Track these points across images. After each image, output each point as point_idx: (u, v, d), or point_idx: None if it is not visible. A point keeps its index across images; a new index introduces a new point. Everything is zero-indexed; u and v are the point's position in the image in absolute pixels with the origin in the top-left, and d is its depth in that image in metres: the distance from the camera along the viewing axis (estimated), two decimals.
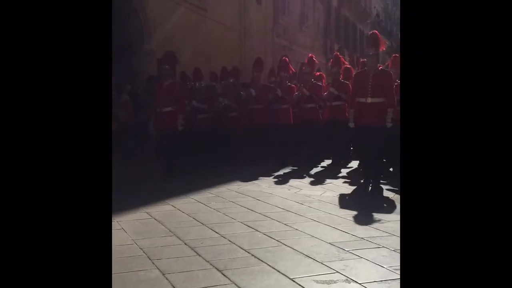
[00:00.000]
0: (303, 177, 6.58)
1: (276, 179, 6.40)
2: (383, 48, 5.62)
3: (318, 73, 8.84)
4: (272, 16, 14.91)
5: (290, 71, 8.35)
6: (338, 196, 5.12)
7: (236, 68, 8.77)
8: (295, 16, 16.75)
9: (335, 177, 6.67)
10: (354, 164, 7.74)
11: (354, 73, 6.48)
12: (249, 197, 5.01)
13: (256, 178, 6.38)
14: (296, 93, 7.85)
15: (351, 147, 8.31)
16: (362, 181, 5.72)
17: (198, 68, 8.74)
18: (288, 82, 8.11)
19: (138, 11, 8.91)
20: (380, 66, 5.59)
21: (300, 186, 5.86)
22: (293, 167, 7.60)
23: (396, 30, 33.97)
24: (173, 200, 4.80)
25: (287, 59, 8.45)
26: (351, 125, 5.59)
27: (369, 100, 5.35)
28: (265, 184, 5.99)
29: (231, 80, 8.44)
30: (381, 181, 5.61)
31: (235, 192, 5.31)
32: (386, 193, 5.30)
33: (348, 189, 5.68)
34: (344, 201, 4.89)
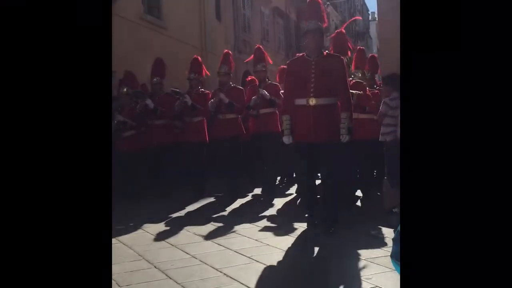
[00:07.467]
0: (205, 222, 4.44)
1: (167, 227, 4.42)
2: (326, 23, 3.94)
3: (250, 78, 7.13)
4: (233, 33, 15.03)
5: (203, 73, 6.37)
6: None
7: (129, 73, 6.72)
8: (256, 32, 16.95)
9: (259, 216, 4.73)
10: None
11: (288, 62, 4.30)
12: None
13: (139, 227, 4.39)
14: (212, 100, 5.85)
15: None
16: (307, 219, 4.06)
17: None
18: (201, 88, 6.23)
19: None
20: (325, 51, 3.90)
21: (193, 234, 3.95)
22: (213, 197, 5.98)
23: (353, 42, 34.83)
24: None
25: (199, 58, 6.45)
26: (287, 140, 3.82)
27: (312, 101, 3.65)
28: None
29: (124, 90, 6.40)
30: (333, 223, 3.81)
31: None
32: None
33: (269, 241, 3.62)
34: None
